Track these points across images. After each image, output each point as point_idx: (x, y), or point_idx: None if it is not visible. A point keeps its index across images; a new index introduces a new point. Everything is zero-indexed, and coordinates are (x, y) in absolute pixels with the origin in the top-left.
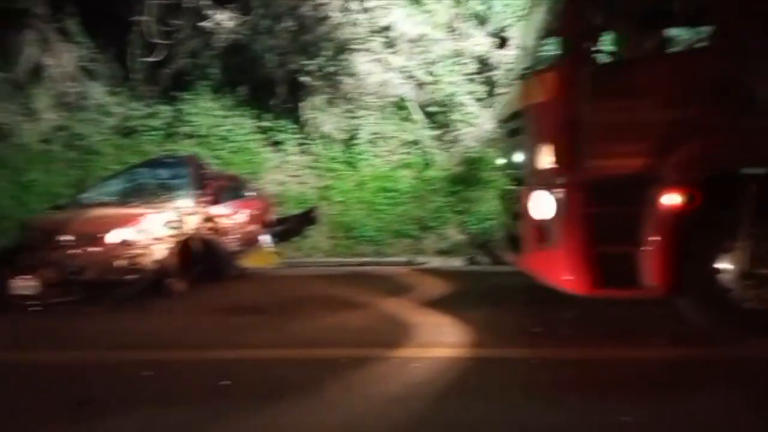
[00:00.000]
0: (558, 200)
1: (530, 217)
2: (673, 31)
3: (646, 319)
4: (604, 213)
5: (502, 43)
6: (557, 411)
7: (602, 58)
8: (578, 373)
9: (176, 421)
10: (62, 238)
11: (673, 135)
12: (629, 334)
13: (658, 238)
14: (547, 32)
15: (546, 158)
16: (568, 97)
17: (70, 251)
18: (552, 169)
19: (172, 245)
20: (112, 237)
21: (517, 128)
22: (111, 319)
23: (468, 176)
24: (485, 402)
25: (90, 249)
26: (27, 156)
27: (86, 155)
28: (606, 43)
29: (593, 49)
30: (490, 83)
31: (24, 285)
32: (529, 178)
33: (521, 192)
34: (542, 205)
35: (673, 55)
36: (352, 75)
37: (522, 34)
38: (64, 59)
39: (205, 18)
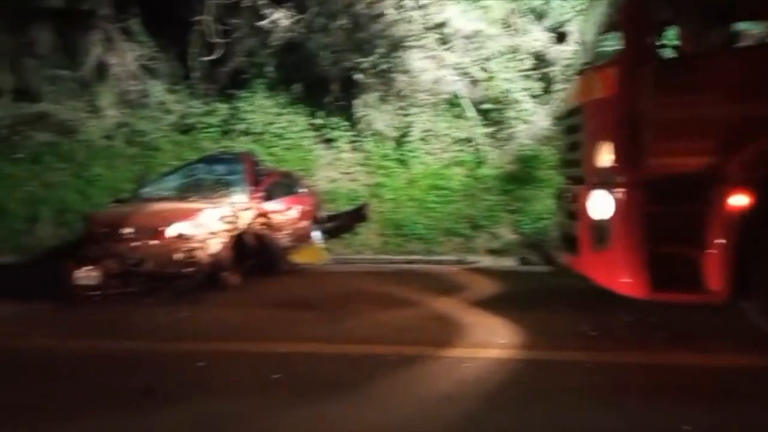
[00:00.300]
0: (617, 199)
1: (587, 217)
2: (742, 25)
3: (708, 324)
4: (665, 213)
5: (561, 38)
6: (614, 415)
7: (665, 53)
8: (636, 377)
9: (229, 412)
10: (123, 231)
11: (741, 132)
12: (691, 339)
13: (722, 239)
14: (608, 26)
15: (605, 156)
16: (629, 94)
17: (130, 244)
18: (611, 167)
19: (227, 240)
20: (171, 231)
21: (575, 125)
22: (168, 310)
23: (522, 174)
24: (539, 404)
25: (149, 242)
26: (91, 152)
27: (147, 151)
28: (669, 37)
29: (656, 43)
30: (547, 79)
31: (86, 276)
32: (587, 177)
33: (578, 191)
34: (600, 204)
35: (742, 50)
36: (405, 72)
37: (581, 29)
38: (126, 58)
39: (262, 17)
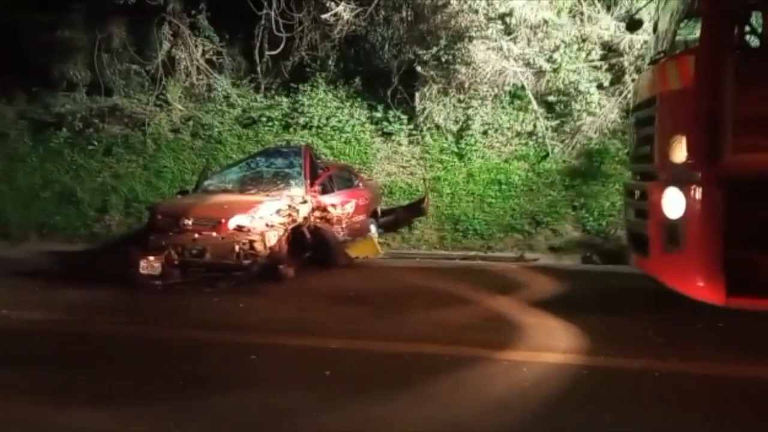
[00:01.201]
0: (692, 198)
1: (659, 216)
2: None
3: None
4: (745, 214)
5: (634, 21)
6: (677, 428)
7: (749, 42)
8: (704, 389)
9: (278, 406)
10: (185, 222)
11: None
12: (764, 350)
13: None
14: (686, 12)
15: (680, 151)
16: (708, 85)
17: (192, 235)
18: (686, 163)
19: (285, 232)
20: (231, 223)
21: (647, 118)
22: (225, 300)
23: (587, 169)
24: (598, 415)
25: (210, 233)
26: (159, 144)
27: (211, 144)
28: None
29: (738, 31)
30: (617, 70)
31: (149, 265)
32: (660, 173)
33: (649, 187)
34: (673, 202)
35: None
36: (467, 64)
37: (656, 15)
38: (194, 53)
39: (324, 10)
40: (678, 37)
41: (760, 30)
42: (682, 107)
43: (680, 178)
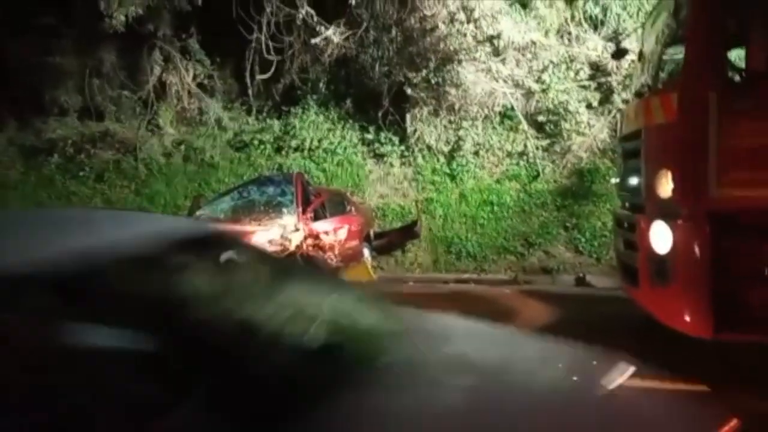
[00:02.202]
0: (679, 232)
1: (647, 249)
2: None
3: None
4: (731, 248)
5: (620, 53)
6: None
7: (735, 73)
8: None
9: None
10: None
11: None
12: (758, 383)
13: None
14: (672, 40)
15: (666, 186)
16: (692, 120)
17: None
18: (672, 197)
19: None
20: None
21: (634, 150)
22: None
23: (578, 189)
24: None
25: None
26: (151, 169)
27: (203, 168)
28: (739, 54)
29: (724, 64)
30: (605, 89)
31: None
32: (647, 206)
33: (638, 220)
34: (661, 236)
35: None
36: (457, 86)
37: (642, 41)
38: (185, 77)
39: (314, 34)
40: (662, 69)
41: (742, 66)
42: (667, 142)
43: (667, 212)
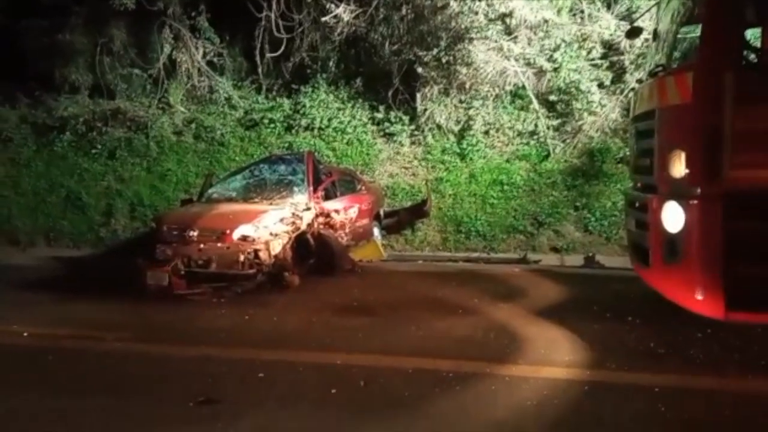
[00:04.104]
0: (691, 212)
1: (659, 229)
2: None
3: None
4: (744, 229)
5: (633, 29)
6: None
7: (748, 58)
8: (706, 406)
9: (284, 427)
10: (191, 233)
11: None
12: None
13: None
14: (687, 19)
15: (679, 167)
16: (708, 102)
17: (197, 246)
18: (686, 178)
19: (289, 241)
20: (236, 233)
21: (647, 130)
22: (231, 312)
23: (589, 169)
24: None
25: (215, 244)
26: (162, 147)
27: (214, 146)
28: (756, 36)
29: (740, 45)
30: (618, 68)
31: (156, 276)
32: (660, 186)
33: (650, 200)
34: (673, 216)
35: None
36: (468, 64)
37: (657, 20)
38: (195, 55)
39: (325, 12)
40: (678, 49)
41: (758, 46)
42: (682, 123)
43: (680, 192)
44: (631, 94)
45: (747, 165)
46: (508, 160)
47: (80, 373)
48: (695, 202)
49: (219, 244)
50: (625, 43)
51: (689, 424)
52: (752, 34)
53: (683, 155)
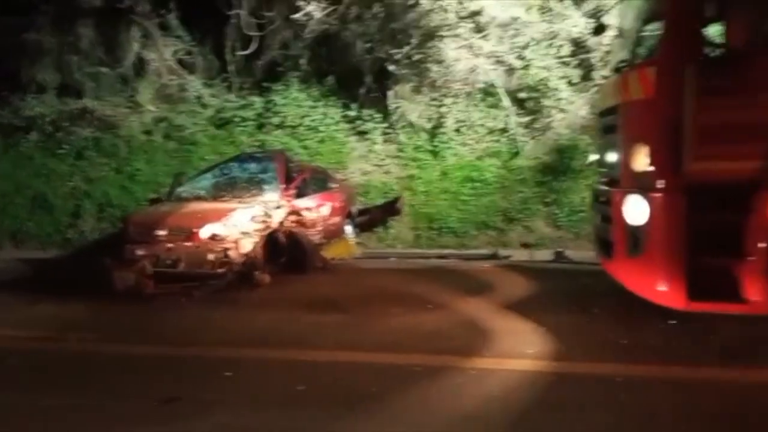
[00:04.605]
0: (653, 205)
1: (622, 222)
2: None
3: (750, 337)
4: (705, 220)
5: (599, 26)
6: None
7: (712, 50)
8: (667, 395)
9: (251, 425)
10: (159, 232)
11: None
12: (730, 354)
13: (767, 248)
14: (650, 16)
15: (642, 160)
16: (669, 96)
17: (165, 245)
18: (648, 171)
19: (259, 239)
20: (204, 232)
21: (611, 125)
22: (200, 312)
23: (558, 165)
24: (565, 425)
25: (184, 243)
26: (131, 147)
27: (185, 146)
28: (716, 31)
29: (701, 40)
30: (586, 66)
31: (124, 276)
32: (623, 180)
33: (613, 194)
34: (635, 209)
35: None
36: (439, 62)
37: (621, 17)
38: (164, 53)
39: (296, 9)
40: (640, 45)
41: (718, 41)
42: (644, 117)
43: (643, 185)
44: (597, 91)
45: (708, 157)
46: (479, 158)
47: (41, 372)
48: (658, 195)
49: (187, 243)
50: (593, 41)
51: (650, 413)
52: (712, 30)
53: (646, 149)
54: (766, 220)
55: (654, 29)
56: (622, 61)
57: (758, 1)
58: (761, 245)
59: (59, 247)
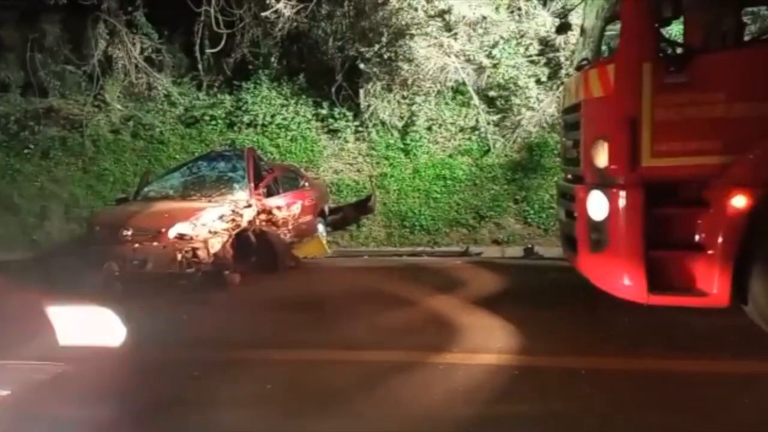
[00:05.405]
0: (613, 201)
1: (585, 218)
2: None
3: (711, 329)
4: (664, 215)
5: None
6: (602, 428)
7: (668, 48)
8: (629, 386)
9: (220, 426)
10: (126, 232)
11: (746, 132)
12: (692, 345)
13: (723, 241)
14: (610, 15)
15: (602, 156)
16: (627, 93)
17: (133, 245)
18: (608, 168)
19: (229, 238)
20: (172, 231)
21: (573, 123)
22: (168, 313)
23: (527, 163)
24: (529, 418)
25: (152, 243)
26: (98, 146)
27: (153, 144)
28: (672, 30)
29: (658, 38)
30: (554, 65)
31: (90, 277)
32: (585, 176)
33: (577, 190)
34: (597, 205)
35: (750, 45)
36: (410, 60)
37: (584, 16)
38: (131, 51)
39: (265, 7)
40: (600, 43)
41: (674, 39)
42: (604, 114)
43: (604, 181)
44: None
45: (665, 153)
46: (450, 155)
47: None
48: (617, 190)
49: (155, 243)
50: (560, 39)
51: (613, 403)
52: (670, 28)
53: (606, 145)
54: (722, 215)
55: (614, 28)
56: (584, 60)
57: (713, 1)
58: (718, 239)
59: (26, 249)
